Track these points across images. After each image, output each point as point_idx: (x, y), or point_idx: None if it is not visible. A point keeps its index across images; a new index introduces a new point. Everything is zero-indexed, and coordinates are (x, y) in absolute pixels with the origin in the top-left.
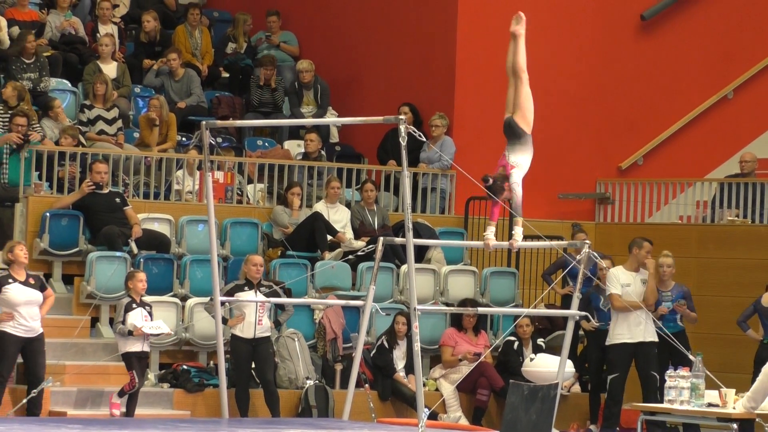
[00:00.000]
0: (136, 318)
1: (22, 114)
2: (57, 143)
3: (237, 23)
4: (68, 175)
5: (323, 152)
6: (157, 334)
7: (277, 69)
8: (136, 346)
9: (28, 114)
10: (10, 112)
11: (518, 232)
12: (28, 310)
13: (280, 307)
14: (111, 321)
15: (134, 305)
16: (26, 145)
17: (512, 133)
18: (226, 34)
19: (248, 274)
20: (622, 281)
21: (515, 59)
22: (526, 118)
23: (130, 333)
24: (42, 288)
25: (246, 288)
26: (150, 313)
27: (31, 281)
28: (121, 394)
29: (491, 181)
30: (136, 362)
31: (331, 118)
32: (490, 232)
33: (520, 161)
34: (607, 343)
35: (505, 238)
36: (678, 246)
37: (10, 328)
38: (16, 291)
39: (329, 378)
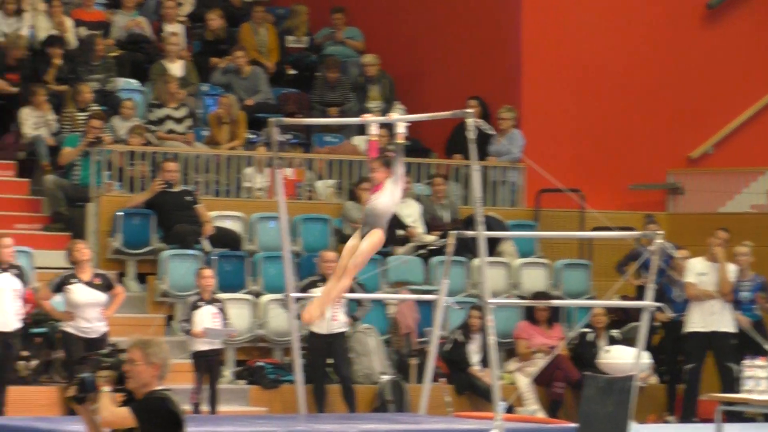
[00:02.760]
0: (204, 316)
1: (99, 116)
2: (126, 142)
3: (294, 15)
4: (139, 174)
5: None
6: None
7: (342, 65)
8: (203, 345)
9: (103, 116)
10: (86, 113)
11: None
12: (89, 312)
13: (357, 303)
14: None
15: (201, 303)
16: (99, 146)
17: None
18: (284, 27)
19: (321, 270)
20: (698, 270)
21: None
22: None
23: (188, 332)
24: (108, 287)
25: (320, 284)
26: (221, 310)
27: (96, 281)
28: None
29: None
30: (203, 363)
31: (399, 116)
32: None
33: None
34: (683, 333)
35: (576, 228)
36: (751, 236)
37: (71, 328)
38: (78, 291)
39: (404, 373)
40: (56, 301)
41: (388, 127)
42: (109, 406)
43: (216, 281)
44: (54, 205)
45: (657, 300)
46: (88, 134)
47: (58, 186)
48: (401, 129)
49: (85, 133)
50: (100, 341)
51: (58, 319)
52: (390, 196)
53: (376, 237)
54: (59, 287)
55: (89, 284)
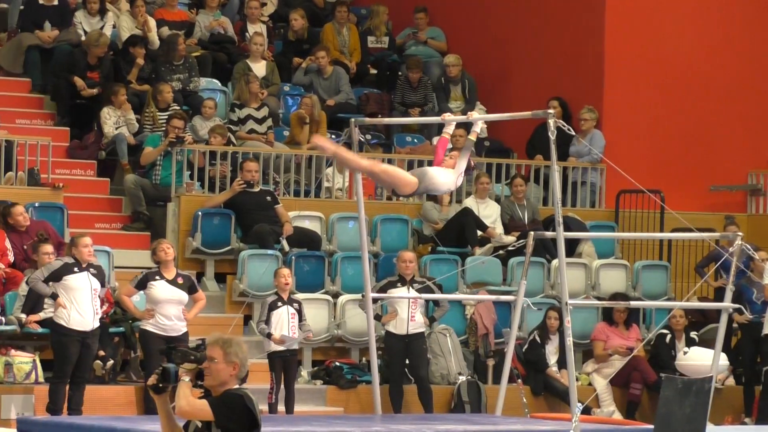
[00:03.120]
0: (282, 317)
1: (180, 116)
2: (207, 142)
3: (374, 15)
4: (219, 174)
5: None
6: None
7: (424, 65)
8: (279, 346)
9: (184, 116)
10: (167, 113)
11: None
12: (170, 309)
13: (435, 303)
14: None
15: (279, 303)
16: (179, 146)
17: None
18: (365, 27)
19: (400, 270)
20: None
21: (357, 168)
22: (397, 185)
23: (269, 336)
24: (191, 290)
25: (399, 284)
26: (298, 311)
27: (180, 281)
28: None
29: None
30: (278, 363)
31: (479, 115)
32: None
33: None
34: (762, 334)
35: (656, 229)
36: None
37: (150, 326)
38: (160, 288)
39: (481, 373)
40: (136, 301)
41: (467, 126)
42: (188, 395)
43: (294, 281)
44: (134, 205)
45: (736, 301)
46: (170, 134)
47: (139, 185)
48: (477, 128)
49: (166, 132)
50: (180, 341)
51: (137, 317)
52: (449, 179)
53: (411, 180)
54: (142, 284)
55: (172, 282)
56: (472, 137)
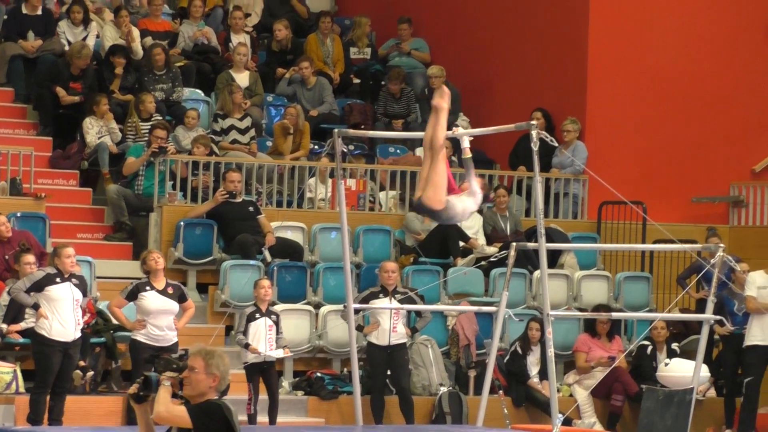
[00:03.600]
0: (260, 328)
1: (163, 126)
2: (190, 152)
3: (357, 26)
4: (202, 184)
5: (455, 158)
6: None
7: (407, 75)
8: (256, 357)
9: (167, 126)
10: (150, 123)
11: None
12: (161, 319)
13: (417, 314)
14: None
15: (258, 315)
16: (161, 156)
17: (426, 213)
18: (348, 38)
19: (382, 281)
20: (759, 284)
21: (435, 133)
22: (437, 194)
23: (247, 346)
24: (181, 299)
25: (381, 295)
26: (276, 323)
27: (170, 291)
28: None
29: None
30: (256, 374)
31: (463, 130)
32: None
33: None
34: (743, 346)
35: (638, 240)
36: None
37: (141, 336)
38: (151, 299)
39: (463, 384)
40: (126, 311)
41: (452, 138)
42: (167, 402)
43: (276, 292)
44: (116, 215)
45: (718, 313)
46: (152, 144)
47: (121, 195)
48: (466, 143)
49: (148, 143)
50: (170, 351)
51: (129, 328)
52: (461, 203)
53: (443, 194)
54: (133, 295)
55: (162, 293)
56: (467, 155)
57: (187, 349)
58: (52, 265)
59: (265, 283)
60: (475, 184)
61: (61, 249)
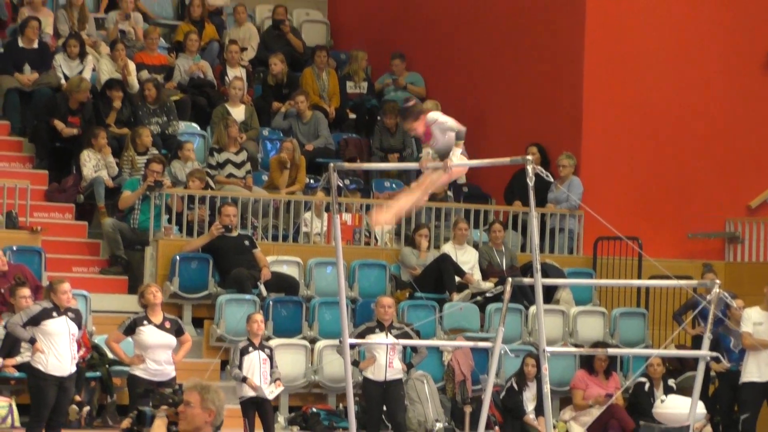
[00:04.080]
0: (253, 362)
1: (159, 160)
2: (185, 186)
3: (353, 60)
4: (198, 218)
5: (450, 193)
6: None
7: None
8: (251, 392)
9: (163, 160)
10: (146, 157)
11: (456, 153)
12: (160, 354)
13: (413, 350)
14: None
15: (251, 348)
16: (157, 190)
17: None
18: (344, 72)
19: (378, 315)
20: (754, 320)
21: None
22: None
23: (244, 380)
24: (178, 332)
25: (377, 330)
26: (270, 357)
27: (167, 325)
28: None
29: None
30: (251, 409)
31: (457, 161)
32: (425, 153)
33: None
34: (739, 382)
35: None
36: None
37: (140, 371)
38: (149, 334)
39: (458, 420)
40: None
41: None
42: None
43: (272, 326)
44: (112, 249)
45: (714, 349)
46: (148, 178)
47: (117, 229)
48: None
49: (144, 176)
50: (169, 385)
51: (126, 363)
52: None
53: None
54: (131, 329)
55: (160, 327)
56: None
57: (181, 384)
58: (48, 299)
59: (258, 317)
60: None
61: (57, 284)
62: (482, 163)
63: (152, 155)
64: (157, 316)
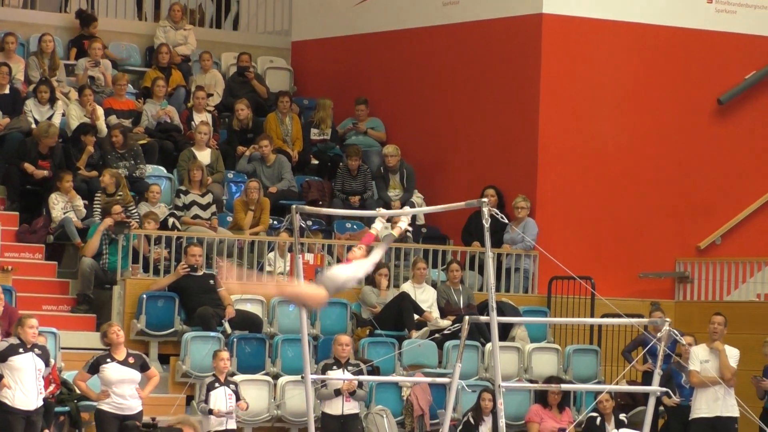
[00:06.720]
0: (219, 397)
1: (116, 202)
2: (141, 226)
3: (321, 108)
4: (159, 257)
5: (410, 234)
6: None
7: (364, 154)
8: (219, 425)
9: (125, 202)
10: (108, 199)
11: (403, 219)
12: (125, 389)
13: (360, 386)
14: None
15: (217, 384)
16: (124, 230)
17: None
18: (310, 119)
19: (335, 353)
20: (701, 357)
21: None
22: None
23: (210, 412)
24: (143, 367)
25: (334, 367)
26: (235, 392)
27: (131, 360)
28: None
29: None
30: None
31: (417, 209)
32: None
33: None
34: (689, 418)
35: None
36: (757, 324)
37: (106, 405)
38: (112, 370)
39: None
40: (91, 383)
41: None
42: None
43: (236, 362)
44: (84, 287)
45: (666, 385)
46: (107, 218)
47: (93, 270)
48: (403, 224)
49: (102, 214)
50: (135, 419)
51: (94, 399)
52: (353, 271)
53: (319, 292)
54: (94, 368)
55: (124, 363)
56: (395, 233)
57: (155, 417)
58: (15, 335)
59: (224, 355)
60: (378, 255)
61: (25, 320)
62: (439, 208)
63: (113, 198)
64: (121, 353)
